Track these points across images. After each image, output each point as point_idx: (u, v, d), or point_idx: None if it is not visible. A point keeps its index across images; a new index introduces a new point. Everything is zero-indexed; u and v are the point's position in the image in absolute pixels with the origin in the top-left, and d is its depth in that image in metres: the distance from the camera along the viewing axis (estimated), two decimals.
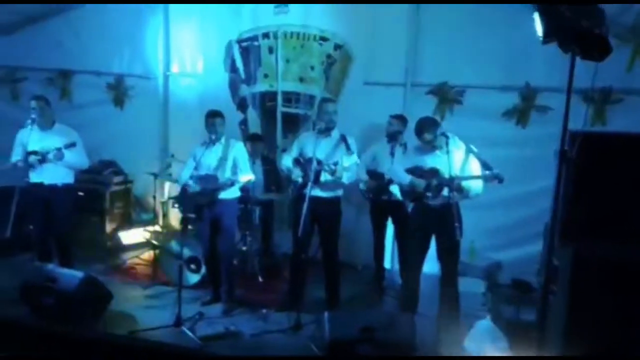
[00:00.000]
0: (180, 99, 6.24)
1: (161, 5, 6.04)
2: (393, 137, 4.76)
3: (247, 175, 4.29)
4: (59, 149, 4.32)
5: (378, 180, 4.74)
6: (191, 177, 4.17)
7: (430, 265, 4.08)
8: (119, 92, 6.34)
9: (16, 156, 4.47)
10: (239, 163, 4.32)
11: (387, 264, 5.21)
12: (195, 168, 4.21)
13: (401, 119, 4.82)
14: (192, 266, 4.72)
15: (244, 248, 5.06)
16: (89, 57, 6.34)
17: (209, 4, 5.76)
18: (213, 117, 4.30)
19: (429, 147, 3.92)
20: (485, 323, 3.68)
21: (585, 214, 2.65)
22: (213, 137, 4.27)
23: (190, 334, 3.75)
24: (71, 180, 4.69)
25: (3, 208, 4.86)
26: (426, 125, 3.89)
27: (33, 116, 4.42)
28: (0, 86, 6.72)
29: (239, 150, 4.38)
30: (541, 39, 2.43)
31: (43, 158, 4.35)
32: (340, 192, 4.29)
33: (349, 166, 4.07)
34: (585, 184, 2.64)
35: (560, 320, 2.67)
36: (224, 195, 4.22)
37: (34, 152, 4.36)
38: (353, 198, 5.16)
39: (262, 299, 4.57)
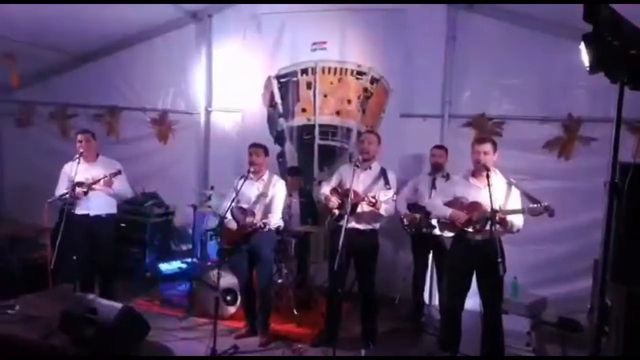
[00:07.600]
0: (220, 134, 6.40)
1: (204, 43, 6.29)
2: (436, 168, 4.70)
3: (277, 221, 4.28)
4: (107, 177, 4.47)
5: (419, 214, 4.66)
6: (231, 209, 4.19)
7: (473, 301, 3.93)
8: (162, 127, 6.57)
9: (62, 189, 4.61)
10: (273, 203, 4.30)
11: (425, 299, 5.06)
12: (235, 200, 4.22)
13: (443, 149, 4.77)
14: (229, 298, 4.71)
15: (280, 280, 5.03)
16: (135, 94, 6.63)
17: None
18: (253, 147, 4.36)
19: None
20: None
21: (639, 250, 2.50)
22: (252, 169, 4.30)
23: None
24: (114, 212, 4.83)
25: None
26: None
27: (81, 150, 4.60)
28: (52, 122, 7.10)
29: (279, 191, 4.37)
30: (588, 69, 2.34)
31: (88, 189, 4.49)
32: (377, 225, 4.22)
33: (386, 200, 4.01)
34: (638, 219, 2.50)
35: None
36: None
37: (80, 184, 4.51)
38: (391, 231, 5.07)
39: (297, 333, 4.51)
